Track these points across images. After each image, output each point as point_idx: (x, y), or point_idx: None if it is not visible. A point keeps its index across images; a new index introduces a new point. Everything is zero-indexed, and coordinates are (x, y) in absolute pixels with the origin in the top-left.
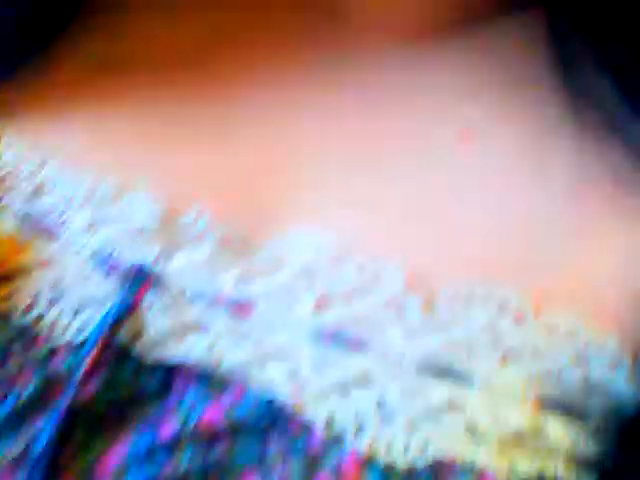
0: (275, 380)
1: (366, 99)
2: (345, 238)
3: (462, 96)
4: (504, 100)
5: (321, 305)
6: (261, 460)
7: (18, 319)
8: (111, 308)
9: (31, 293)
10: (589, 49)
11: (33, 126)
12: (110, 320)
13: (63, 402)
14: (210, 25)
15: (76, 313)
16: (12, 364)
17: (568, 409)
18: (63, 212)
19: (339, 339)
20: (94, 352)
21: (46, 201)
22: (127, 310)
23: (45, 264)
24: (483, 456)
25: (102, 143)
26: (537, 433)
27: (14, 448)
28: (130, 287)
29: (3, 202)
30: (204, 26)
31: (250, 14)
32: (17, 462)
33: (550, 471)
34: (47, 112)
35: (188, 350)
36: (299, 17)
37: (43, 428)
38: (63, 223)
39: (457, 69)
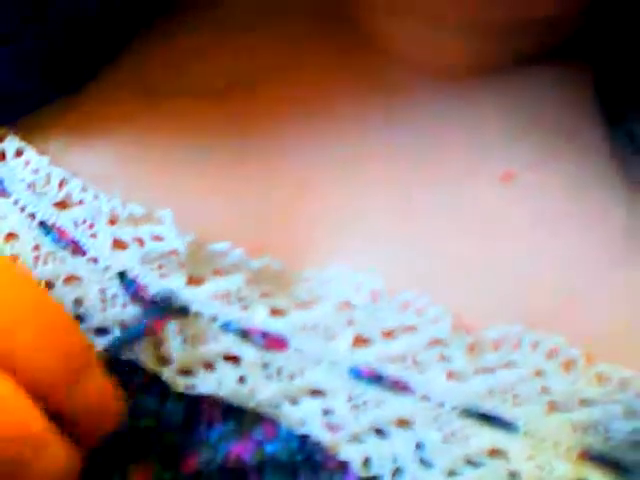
0: (309, 417)
1: (403, 136)
2: (387, 273)
3: (505, 139)
4: (547, 145)
5: (360, 342)
6: None
7: None
8: (131, 333)
9: None
10: (634, 100)
11: (65, 143)
12: (132, 345)
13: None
14: (248, 59)
15: (99, 332)
16: None
17: (614, 462)
18: (90, 227)
19: (378, 378)
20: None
21: (72, 214)
22: (148, 335)
23: (69, 278)
24: None
25: (131, 168)
26: None
27: None
28: (154, 312)
29: (27, 211)
30: (241, 60)
31: (286, 50)
32: None
33: None
34: (80, 133)
35: (217, 381)
36: (338, 52)
37: None
38: (90, 238)
39: (500, 113)
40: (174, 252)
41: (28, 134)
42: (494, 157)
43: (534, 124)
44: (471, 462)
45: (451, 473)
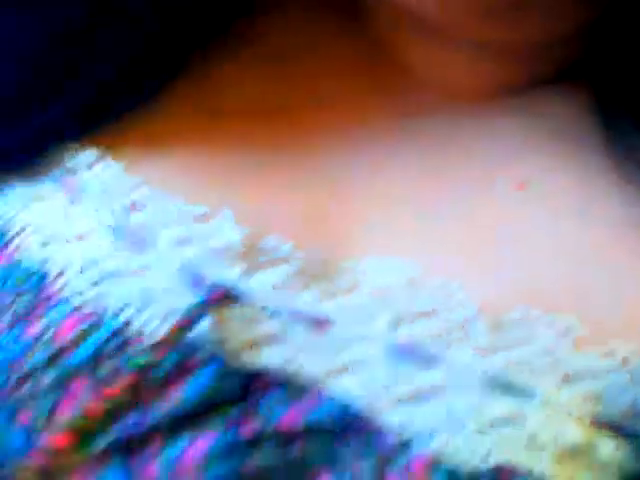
0: (350, 388)
1: (427, 147)
2: (417, 264)
3: (519, 151)
4: (557, 156)
5: (395, 324)
6: (335, 460)
7: (110, 324)
8: (196, 316)
9: (122, 299)
10: (631, 115)
11: (133, 154)
12: (195, 327)
13: (155, 403)
14: (295, 85)
15: (162, 321)
16: (106, 363)
17: (622, 429)
18: (157, 227)
19: (412, 355)
20: (185, 355)
21: (139, 217)
22: (209, 318)
23: (137, 272)
24: (541, 467)
25: (193, 176)
26: (591, 449)
27: (106, 439)
28: (212, 300)
29: (101, 212)
30: (291, 85)
31: (326, 76)
32: (109, 451)
33: None
34: (150, 145)
35: (268, 360)
36: (370, 78)
37: (136, 424)
38: (154, 238)
39: (515, 128)
40: (232, 246)
41: (104, 146)
42: (511, 166)
43: (546, 137)
44: (494, 425)
45: (476, 435)
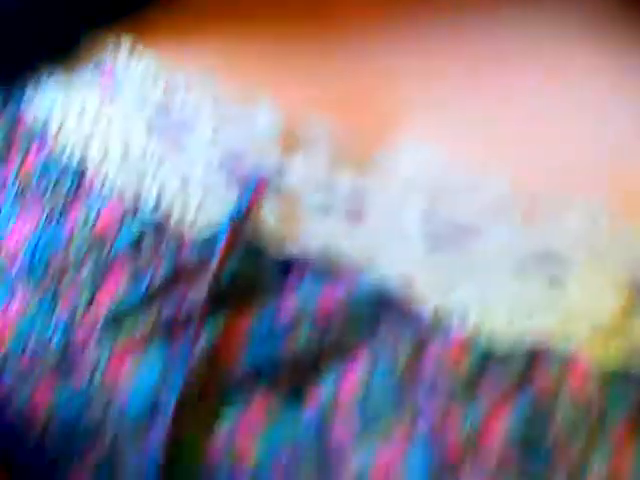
0: (387, 271)
1: (468, 35)
2: (453, 150)
3: (552, 39)
4: (588, 42)
5: (430, 209)
6: (371, 341)
7: (149, 214)
8: (235, 207)
9: (161, 188)
10: None
11: (167, 45)
12: (234, 218)
13: (193, 293)
14: None
15: (202, 211)
16: (144, 253)
17: None
18: (196, 111)
19: (446, 237)
20: (223, 245)
21: (180, 100)
22: (248, 209)
23: (175, 163)
24: (576, 345)
25: (227, 65)
26: (627, 324)
27: (144, 327)
28: (250, 188)
29: (139, 98)
30: None
31: None
32: (147, 338)
33: (637, 366)
34: (181, 35)
35: (305, 245)
36: None
37: (174, 312)
38: (192, 127)
39: (546, 17)
40: (270, 132)
41: (140, 35)
42: (543, 53)
43: (576, 25)
44: (529, 305)
45: (511, 314)
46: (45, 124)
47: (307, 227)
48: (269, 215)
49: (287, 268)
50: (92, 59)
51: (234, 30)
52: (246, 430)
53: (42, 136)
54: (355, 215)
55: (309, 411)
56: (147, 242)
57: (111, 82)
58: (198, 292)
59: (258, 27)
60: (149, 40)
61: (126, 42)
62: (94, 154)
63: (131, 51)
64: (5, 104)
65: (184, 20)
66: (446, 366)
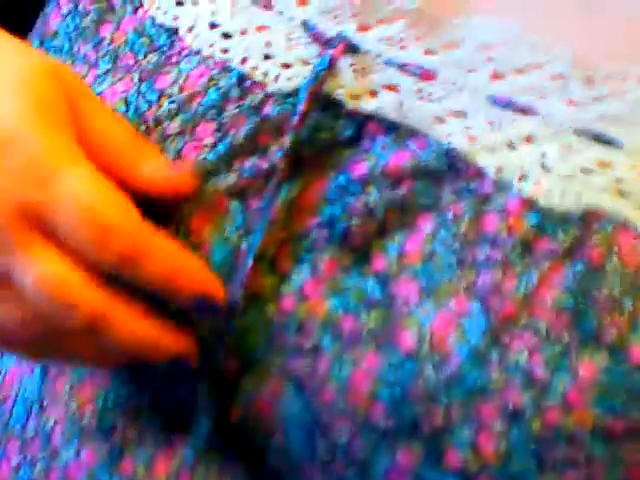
0: (453, 132)
1: None
2: (520, 22)
3: None
4: None
5: (496, 76)
6: (437, 201)
7: (236, 70)
8: (316, 64)
9: (247, 48)
10: None
11: None
12: (316, 74)
13: (272, 147)
14: None
15: (286, 67)
16: (229, 109)
17: None
18: None
19: (510, 104)
20: (304, 100)
21: None
22: (329, 66)
23: (261, 28)
24: (627, 210)
25: None
26: None
27: (226, 181)
28: (330, 48)
29: None
30: None
31: None
32: (228, 193)
33: None
34: None
35: (380, 104)
36: None
37: (255, 166)
38: None
39: None
40: (349, 1)
41: None
42: None
43: None
44: (584, 170)
45: (567, 178)
46: None
47: (381, 87)
48: (347, 72)
49: (361, 125)
50: None
51: None
52: (317, 282)
53: (135, 7)
54: (426, 75)
55: (376, 266)
56: (232, 96)
57: None
58: (279, 146)
59: None
60: None
61: None
62: (186, 19)
63: None
64: None
65: None
66: (506, 224)
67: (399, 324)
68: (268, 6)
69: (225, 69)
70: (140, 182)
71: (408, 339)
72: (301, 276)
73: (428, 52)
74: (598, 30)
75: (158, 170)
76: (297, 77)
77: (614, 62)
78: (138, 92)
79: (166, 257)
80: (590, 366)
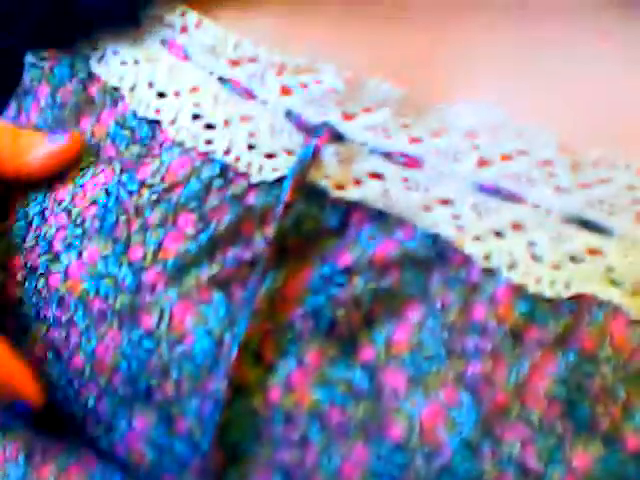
0: (440, 221)
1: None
2: (505, 109)
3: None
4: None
5: (482, 163)
6: (425, 290)
7: (218, 160)
8: (300, 154)
9: (231, 141)
10: None
11: (229, 16)
12: (300, 163)
13: (255, 237)
14: None
15: (270, 157)
16: (211, 200)
17: None
18: (261, 78)
19: (497, 191)
20: (288, 190)
21: (245, 69)
22: (313, 155)
23: (244, 118)
24: (618, 296)
25: (292, 32)
26: None
27: (209, 271)
28: (314, 137)
29: (207, 69)
30: None
31: None
32: (211, 283)
33: None
34: (240, 6)
35: (365, 193)
36: None
37: (238, 256)
38: (261, 87)
39: None
40: (333, 91)
41: (203, 10)
42: (597, 17)
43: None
44: (573, 258)
45: (557, 266)
46: (119, 82)
47: (367, 173)
48: (332, 161)
49: (347, 214)
50: (159, 31)
51: (293, 2)
52: (304, 373)
53: (116, 93)
54: (413, 163)
55: (363, 357)
56: (215, 187)
57: (180, 52)
58: (263, 236)
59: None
60: (213, 14)
61: (192, 16)
62: (168, 111)
63: (197, 23)
64: (73, 69)
65: None
66: (495, 313)
67: (388, 415)
68: (251, 96)
69: (208, 160)
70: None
71: (397, 430)
72: (287, 367)
73: (413, 140)
74: (584, 118)
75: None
76: (281, 167)
77: (600, 147)
78: (119, 182)
79: None
80: (584, 456)
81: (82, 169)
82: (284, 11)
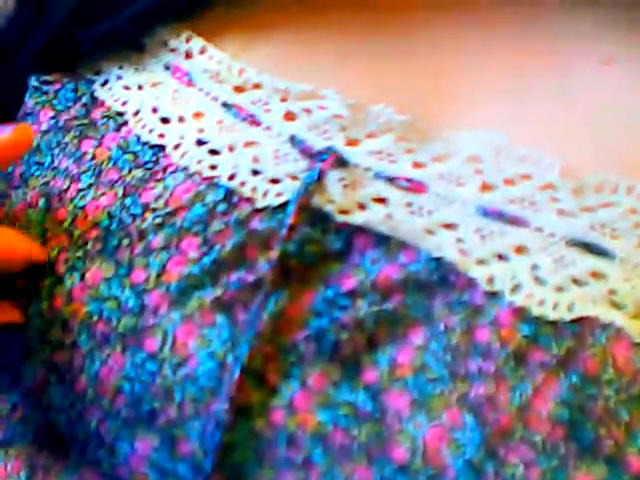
0: (444, 244)
1: (518, 29)
2: (505, 135)
3: (604, 28)
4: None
5: (486, 188)
6: (428, 313)
7: (223, 185)
8: (305, 178)
9: (235, 165)
10: None
11: (234, 43)
12: (304, 188)
13: (261, 261)
14: None
15: (274, 182)
16: (215, 224)
17: None
18: (265, 104)
19: (500, 215)
20: (292, 215)
21: (250, 96)
22: (317, 180)
23: (248, 144)
24: (620, 319)
25: (297, 60)
26: None
27: (212, 294)
28: (319, 162)
29: (211, 95)
30: None
31: None
32: (215, 306)
33: None
34: (248, 33)
35: (368, 217)
36: None
37: (242, 280)
38: (265, 113)
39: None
40: (337, 117)
41: (208, 36)
42: (596, 43)
43: (628, 13)
44: (576, 281)
45: (560, 289)
46: (123, 107)
47: (372, 198)
48: (336, 186)
49: (351, 238)
50: (163, 56)
51: (301, 29)
52: (307, 396)
53: (119, 118)
54: (416, 188)
55: (367, 379)
56: (219, 211)
57: (183, 77)
58: (267, 259)
59: (325, 26)
60: (218, 40)
61: (197, 41)
62: (172, 136)
63: (202, 50)
64: (76, 93)
65: (253, 22)
66: (498, 335)
67: (391, 437)
68: (255, 122)
69: (212, 185)
70: None
71: (401, 453)
72: (290, 390)
73: (417, 165)
74: (587, 141)
75: None
76: (286, 192)
77: (602, 171)
78: (122, 206)
79: None
80: (587, 478)
81: (81, 190)
82: (288, 38)
